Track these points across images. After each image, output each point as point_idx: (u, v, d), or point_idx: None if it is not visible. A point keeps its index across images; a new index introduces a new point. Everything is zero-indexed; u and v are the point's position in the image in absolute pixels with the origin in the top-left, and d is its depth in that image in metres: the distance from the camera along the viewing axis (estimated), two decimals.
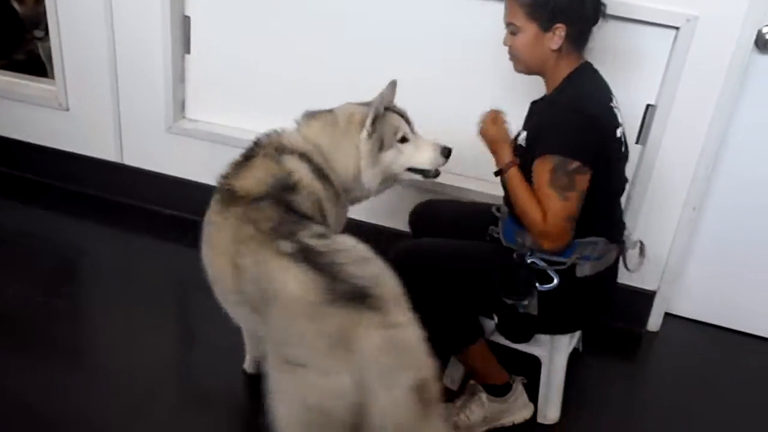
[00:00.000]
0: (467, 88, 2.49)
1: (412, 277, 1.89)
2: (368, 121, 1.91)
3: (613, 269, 1.99)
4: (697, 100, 2.27)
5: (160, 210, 3.06)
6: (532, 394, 2.16)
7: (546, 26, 1.80)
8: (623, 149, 1.91)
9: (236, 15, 2.69)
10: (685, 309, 2.70)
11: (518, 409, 2.11)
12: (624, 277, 2.54)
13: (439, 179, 2.13)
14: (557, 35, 1.80)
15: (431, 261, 1.96)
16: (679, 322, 2.68)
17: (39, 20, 3.18)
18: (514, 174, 1.85)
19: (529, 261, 1.85)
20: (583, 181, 1.76)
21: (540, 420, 2.15)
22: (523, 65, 1.89)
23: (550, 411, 2.15)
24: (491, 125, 1.92)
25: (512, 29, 1.84)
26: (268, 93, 2.77)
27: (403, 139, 1.98)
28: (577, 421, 2.19)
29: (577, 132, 1.77)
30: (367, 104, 1.98)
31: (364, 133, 1.92)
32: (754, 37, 2.18)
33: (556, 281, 1.84)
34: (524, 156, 1.86)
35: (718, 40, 2.19)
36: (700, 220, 2.50)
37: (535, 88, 2.01)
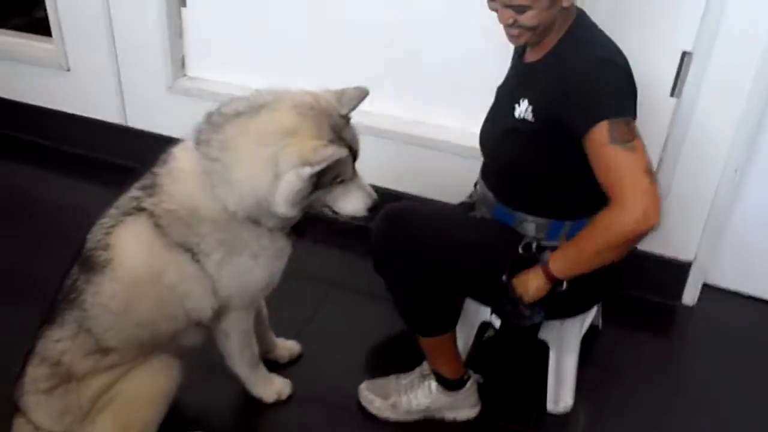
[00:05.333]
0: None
1: (401, 246, 1.75)
2: (316, 167, 1.48)
3: None
4: (740, 48, 2.05)
5: None
6: (540, 382, 2.00)
7: None
8: None
9: None
10: (725, 280, 2.53)
11: (464, 408, 1.96)
12: (657, 246, 2.39)
13: None
14: None
15: (428, 237, 1.75)
16: (717, 294, 2.52)
17: None
18: (563, 254, 1.61)
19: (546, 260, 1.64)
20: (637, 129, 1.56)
21: (550, 409, 1.99)
22: (529, 35, 1.65)
23: (562, 399, 1.98)
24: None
25: (518, 9, 1.61)
26: (267, 46, 2.63)
27: (339, 181, 1.61)
28: (597, 402, 2.04)
29: (615, 88, 1.58)
30: (314, 102, 1.56)
31: (306, 170, 1.49)
32: None
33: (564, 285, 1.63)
34: (532, 132, 1.64)
35: None
36: (743, 183, 2.30)
37: None
